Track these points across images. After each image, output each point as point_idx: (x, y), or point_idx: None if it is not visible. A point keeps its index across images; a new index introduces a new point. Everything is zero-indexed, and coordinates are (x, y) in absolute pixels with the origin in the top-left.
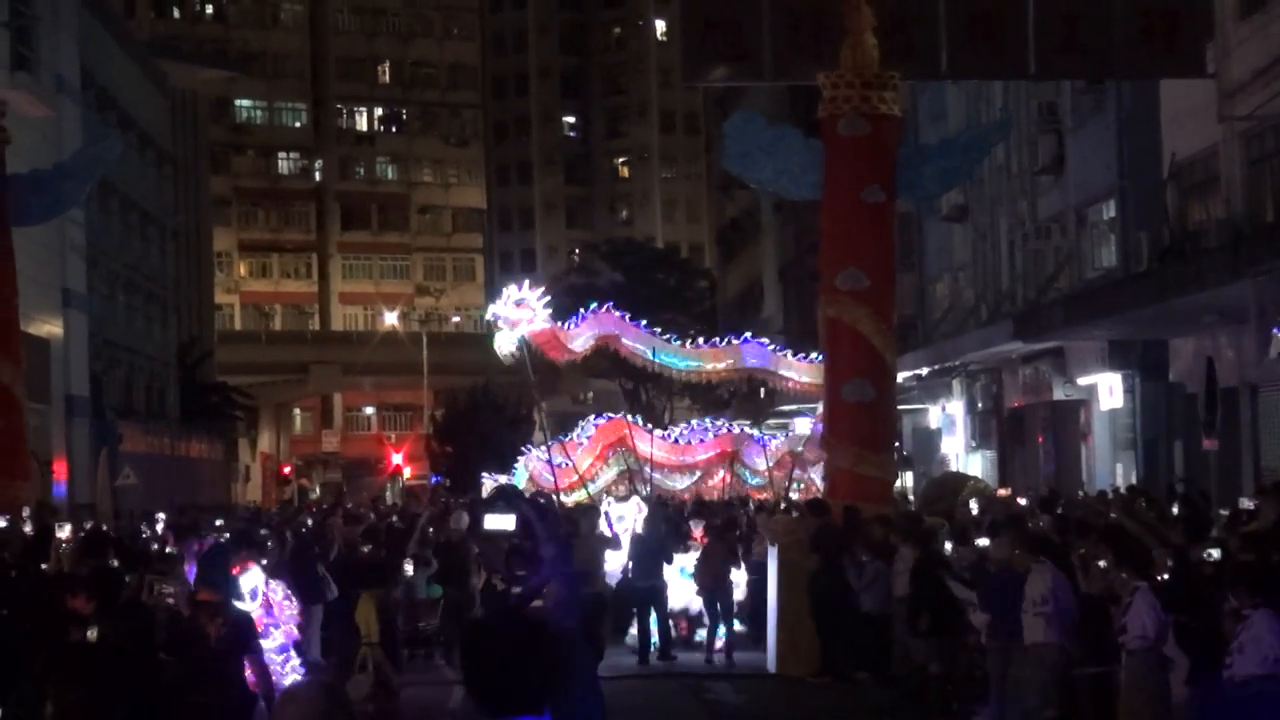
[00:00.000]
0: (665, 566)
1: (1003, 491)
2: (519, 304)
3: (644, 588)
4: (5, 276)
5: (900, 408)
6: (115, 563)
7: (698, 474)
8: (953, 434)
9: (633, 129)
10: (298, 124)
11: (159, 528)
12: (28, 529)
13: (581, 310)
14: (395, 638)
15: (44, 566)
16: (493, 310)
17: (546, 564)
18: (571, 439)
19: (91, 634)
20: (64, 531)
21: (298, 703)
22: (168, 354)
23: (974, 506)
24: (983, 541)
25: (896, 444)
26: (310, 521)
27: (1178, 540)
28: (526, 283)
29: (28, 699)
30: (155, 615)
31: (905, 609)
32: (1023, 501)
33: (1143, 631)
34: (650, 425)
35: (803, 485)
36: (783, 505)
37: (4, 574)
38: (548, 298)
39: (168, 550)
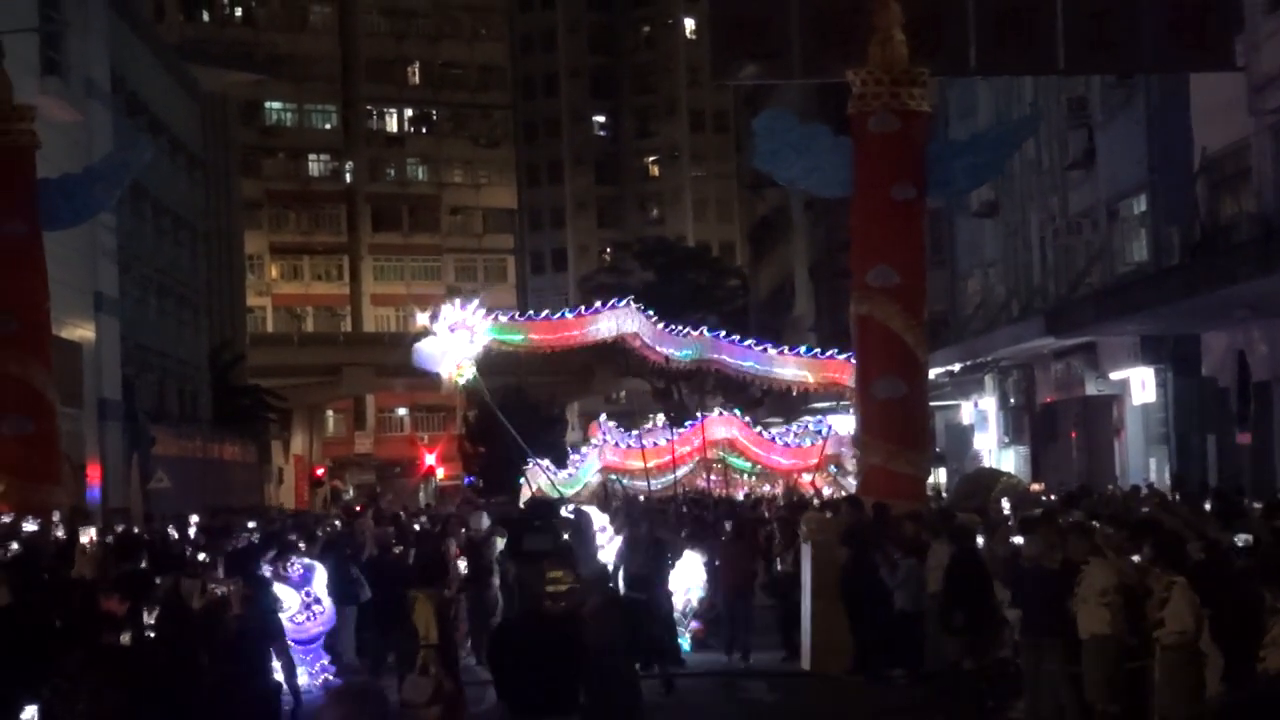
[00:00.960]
0: (668, 572)
1: (1035, 487)
2: (454, 328)
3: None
4: (36, 281)
5: (932, 404)
6: (149, 566)
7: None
8: (985, 430)
9: (663, 128)
10: (328, 126)
11: (191, 531)
12: (60, 533)
13: (599, 304)
14: (452, 639)
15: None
16: (421, 354)
17: (586, 583)
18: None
19: (125, 636)
20: (87, 537)
21: (341, 704)
22: (200, 357)
23: (1006, 504)
24: (1018, 538)
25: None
26: (338, 523)
27: (1214, 534)
28: (457, 300)
29: (62, 700)
30: (193, 616)
31: (939, 606)
32: (1051, 497)
33: (1182, 626)
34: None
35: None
36: (816, 502)
37: (36, 577)
38: (483, 309)
39: (200, 556)
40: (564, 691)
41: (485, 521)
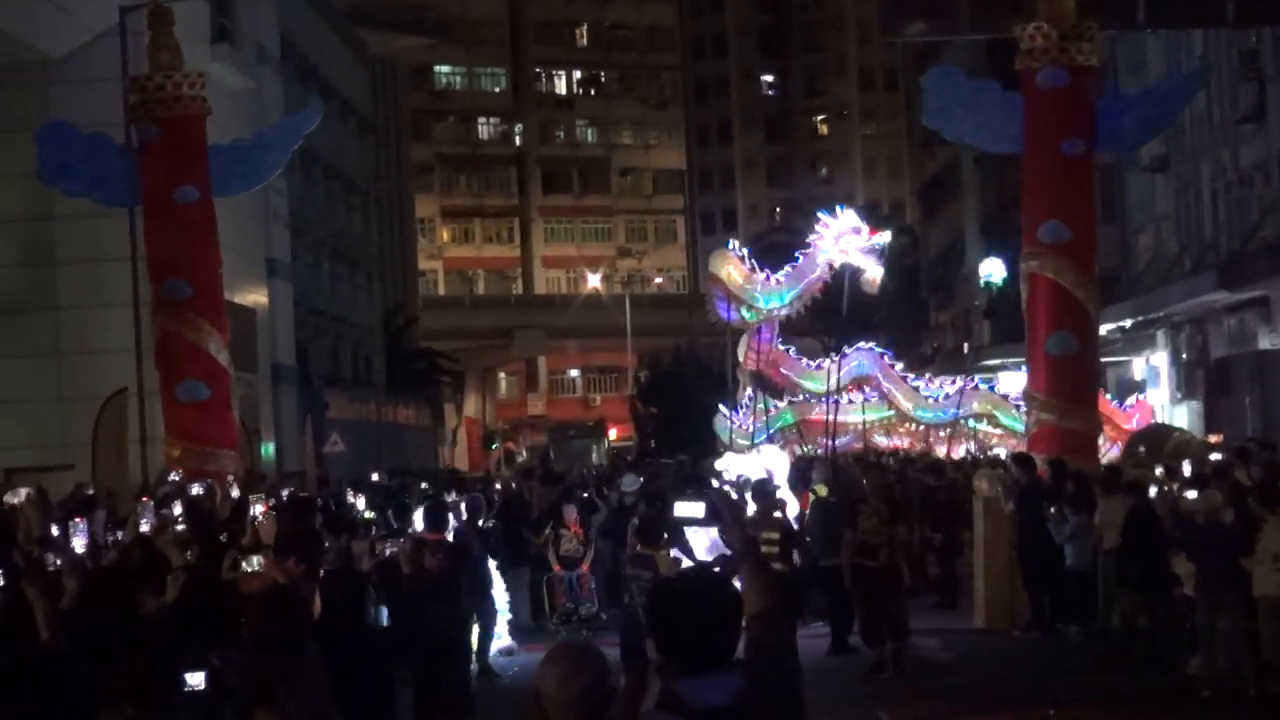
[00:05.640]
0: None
1: (1214, 438)
2: (855, 231)
3: (827, 568)
4: (209, 247)
5: (1103, 360)
6: (322, 528)
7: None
8: (1157, 386)
9: (832, 86)
10: (497, 89)
11: (360, 499)
12: (235, 493)
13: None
14: None
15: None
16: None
17: (731, 556)
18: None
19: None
20: (258, 507)
21: (560, 663)
22: (373, 321)
23: (1186, 461)
24: (1192, 493)
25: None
26: (512, 484)
27: None
28: (839, 210)
29: (232, 667)
30: (364, 579)
31: (1114, 561)
32: (1215, 457)
33: None
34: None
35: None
36: (984, 459)
37: (208, 540)
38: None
39: (368, 515)
40: (723, 645)
41: (635, 483)
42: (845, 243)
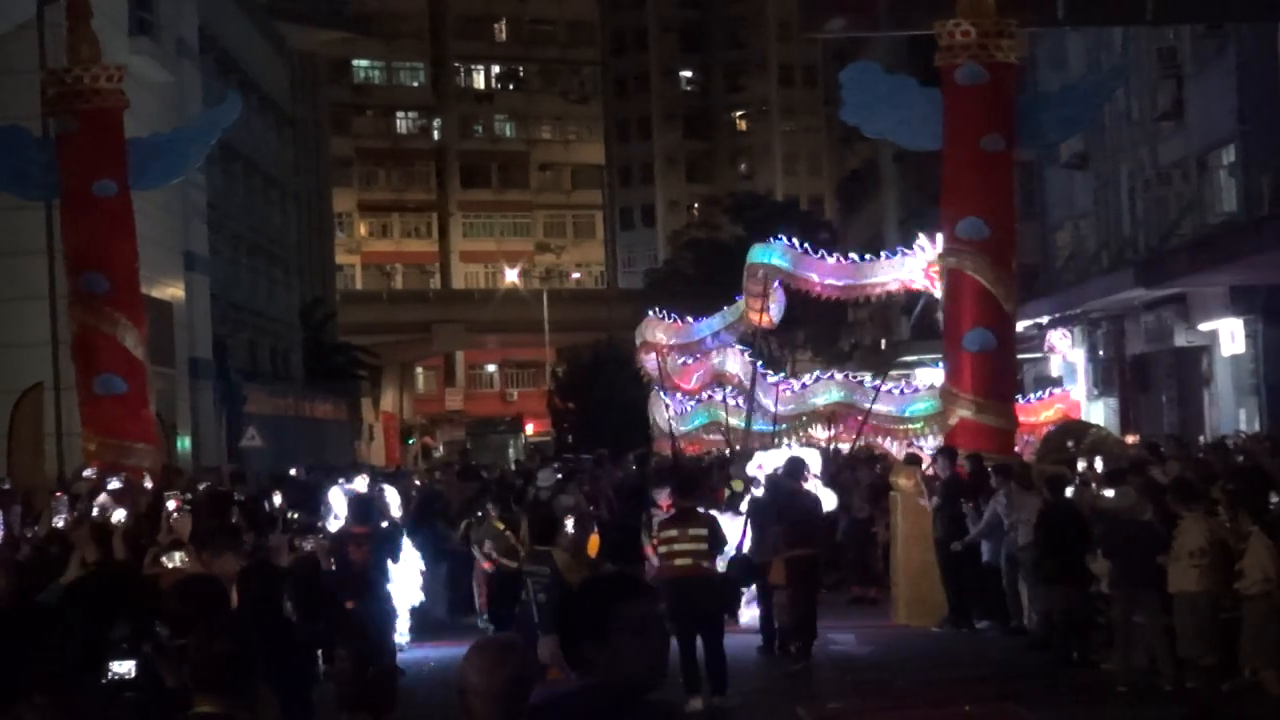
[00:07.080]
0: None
1: (1131, 438)
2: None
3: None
4: (126, 240)
5: (1021, 356)
6: (240, 522)
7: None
8: (1074, 382)
9: (752, 82)
10: (416, 83)
11: (277, 499)
12: (148, 483)
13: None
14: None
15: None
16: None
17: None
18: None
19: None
20: (173, 502)
21: (487, 654)
22: (291, 315)
23: (1098, 457)
24: (1109, 491)
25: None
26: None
27: None
28: (921, 237)
29: (163, 655)
30: (282, 573)
31: (1029, 557)
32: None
33: (1263, 575)
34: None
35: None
36: (904, 455)
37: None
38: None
39: (290, 513)
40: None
41: (551, 478)
42: (934, 271)
